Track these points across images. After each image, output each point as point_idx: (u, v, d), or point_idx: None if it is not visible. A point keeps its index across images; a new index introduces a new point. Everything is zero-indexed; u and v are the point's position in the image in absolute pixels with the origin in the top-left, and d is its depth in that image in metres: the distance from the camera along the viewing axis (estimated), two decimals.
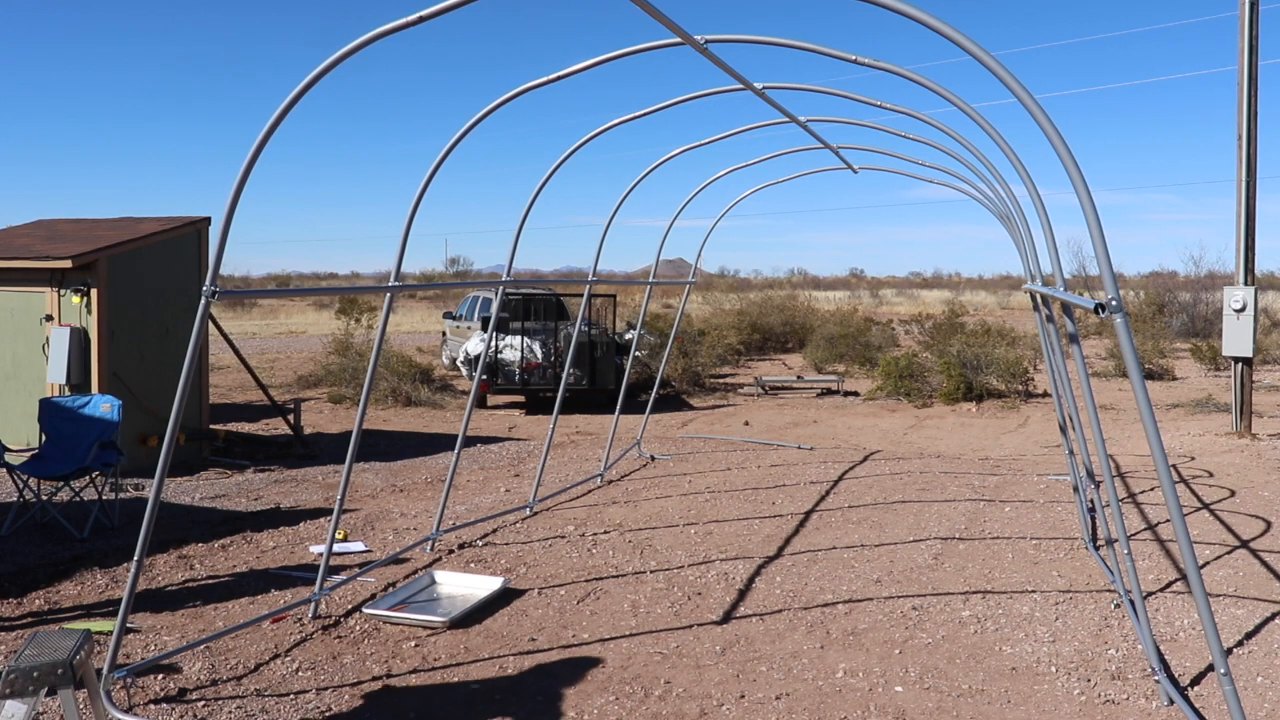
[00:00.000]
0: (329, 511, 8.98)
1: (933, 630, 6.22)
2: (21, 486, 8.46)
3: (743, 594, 6.96)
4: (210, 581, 7.17)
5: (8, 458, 8.51)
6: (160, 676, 5.40)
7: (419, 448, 13.33)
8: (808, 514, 9.36)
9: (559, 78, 6.34)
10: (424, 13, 4.92)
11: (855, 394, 20.73)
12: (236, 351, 13.18)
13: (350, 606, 6.60)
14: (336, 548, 7.41)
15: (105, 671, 5.00)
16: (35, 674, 3.90)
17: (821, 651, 5.88)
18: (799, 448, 13.50)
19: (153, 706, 5.05)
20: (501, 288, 9.08)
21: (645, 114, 7.61)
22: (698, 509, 9.53)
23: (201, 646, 5.81)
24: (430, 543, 8.05)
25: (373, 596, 6.81)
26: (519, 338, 18.01)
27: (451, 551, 8.00)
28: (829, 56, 5.52)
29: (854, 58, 5.33)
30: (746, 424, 16.49)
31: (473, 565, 7.62)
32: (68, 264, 10.62)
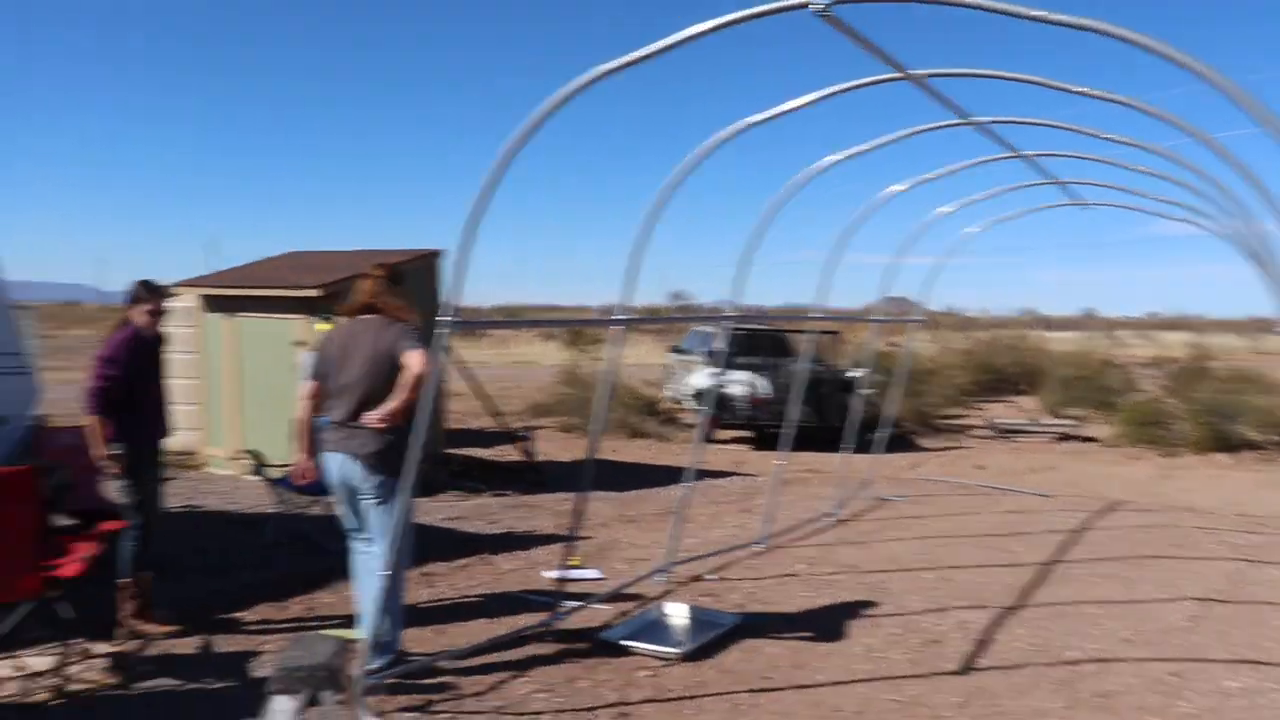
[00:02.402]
0: (562, 538, 9.14)
1: (1194, 700, 5.81)
2: (281, 499, 8.97)
3: (982, 644, 6.70)
4: (451, 600, 7.40)
5: (268, 472, 9.05)
6: (407, 687, 5.59)
7: (647, 479, 13.46)
8: (1048, 564, 8.95)
9: (779, 114, 6.34)
10: (646, 50, 4.98)
11: (1094, 440, 19.80)
12: (472, 380, 13.64)
13: (585, 632, 6.68)
14: (571, 574, 7.53)
15: (358, 678, 5.22)
16: (301, 675, 4.12)
17: (1069, 712, 5.58)
18: (1037, 494, 12.97)
19: (399, 714, 5.24)
20: (727, 323, 9.12)
21: (866, 150, 7.52)
22: (932, 553, 9.26)
23: (445, 661, 6.00)
24: (662, 574, 8.09)
25: (607, 624, 6.88)
26: (745, 373, 18.00)
27: (683, 584, 8.02)
28: (1054, 89, 5.34)
29: (1082, 90, 5.13)
30: (980, 467, 15.98)
31: (704, 599, 7.61)
32: (316, 293, 11.24)
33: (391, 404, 5.59)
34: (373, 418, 5.62)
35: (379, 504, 5.74)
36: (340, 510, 6.07)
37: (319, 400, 6.01)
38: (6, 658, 5.62)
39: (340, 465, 5.79)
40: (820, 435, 17.64)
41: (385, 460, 5.63)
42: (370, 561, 5.84)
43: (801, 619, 7.17)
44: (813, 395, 17.34)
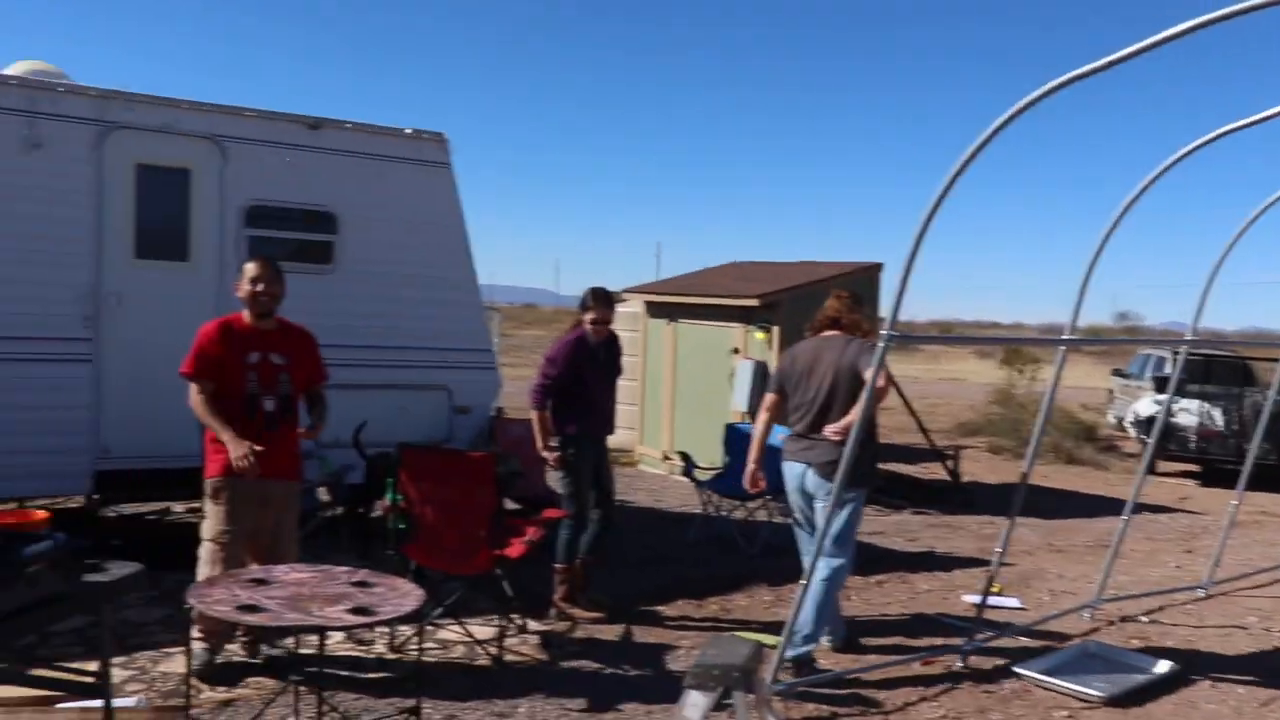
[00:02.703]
0: (982, 562, 8.89)
1: None
2: (706, 501, 9.35)
3: None
4: (866, 616, 7.40)
5: (696, 474, 9.45)
6: (816, 697, 5.66)
7: (1078, 508, 12.78)
8: None
9: (1265, 119, 5.78)
10: (1113, 56, 4.70)
11: None
12: (901, 394, 13.51)
13: (1000, 663, 6.46)
14: (990, 601, 7.31)
15: (769, 683, 5.35)
16: (716, 672, 4.30)
17: None
18: None
19: None
20: (1180, 347, 8.49)
21: None
22: None
23: (853, 676, 6.03)
24: (1089, 610, 7.66)
25: (1025, 656, 6.62)
26: (1196, 402, 16.63)
27: (1111, 623, 7.55)
28: None
29: None
30: None
31: (1134, 641, 7.13)
32: (755, 303, 11.60)
33: (850, 417, 5.79)
34: (833, 430, 5.90)
35: (832, 512, 5.85)
36: (796, 518, 6.40)
37: (776, 412, 6.43)
38: (457, 624, 6.27)
39: (799, 475, 6.16)
40: None
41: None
42: (817, 567, 5.97)
43: (1249, 678, 6.52)
44: (1276, 431, 15.70)
